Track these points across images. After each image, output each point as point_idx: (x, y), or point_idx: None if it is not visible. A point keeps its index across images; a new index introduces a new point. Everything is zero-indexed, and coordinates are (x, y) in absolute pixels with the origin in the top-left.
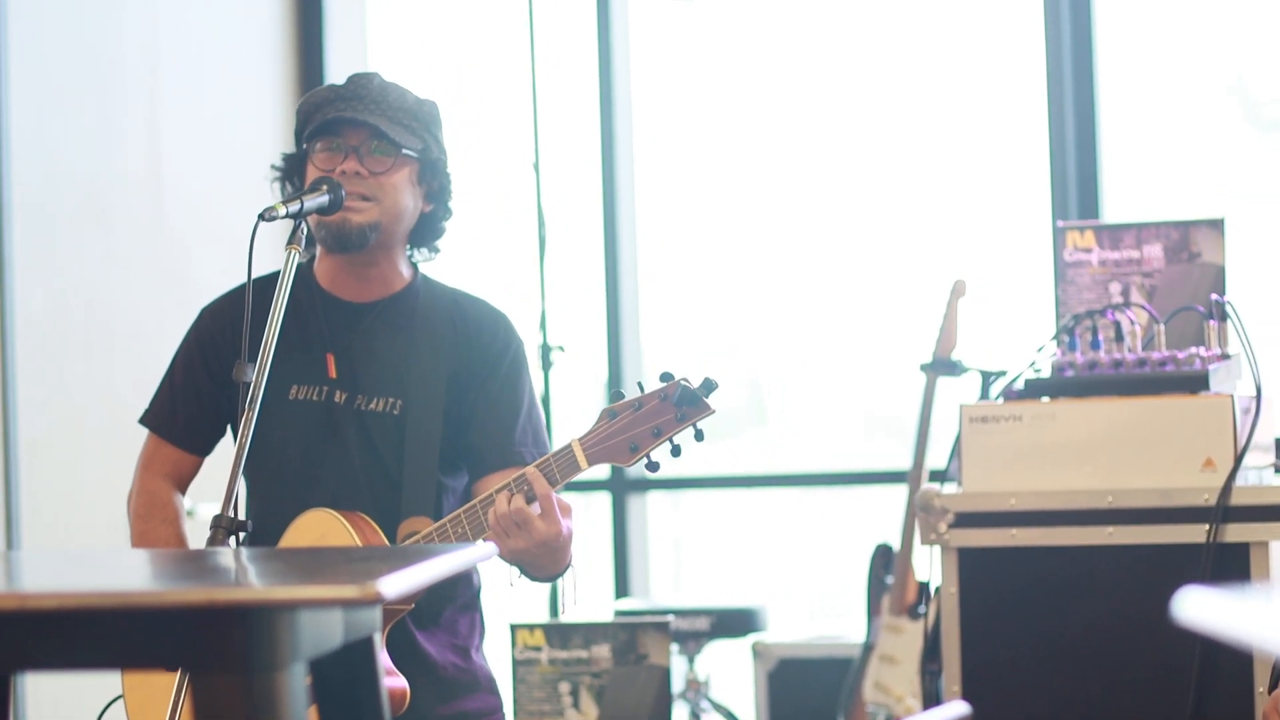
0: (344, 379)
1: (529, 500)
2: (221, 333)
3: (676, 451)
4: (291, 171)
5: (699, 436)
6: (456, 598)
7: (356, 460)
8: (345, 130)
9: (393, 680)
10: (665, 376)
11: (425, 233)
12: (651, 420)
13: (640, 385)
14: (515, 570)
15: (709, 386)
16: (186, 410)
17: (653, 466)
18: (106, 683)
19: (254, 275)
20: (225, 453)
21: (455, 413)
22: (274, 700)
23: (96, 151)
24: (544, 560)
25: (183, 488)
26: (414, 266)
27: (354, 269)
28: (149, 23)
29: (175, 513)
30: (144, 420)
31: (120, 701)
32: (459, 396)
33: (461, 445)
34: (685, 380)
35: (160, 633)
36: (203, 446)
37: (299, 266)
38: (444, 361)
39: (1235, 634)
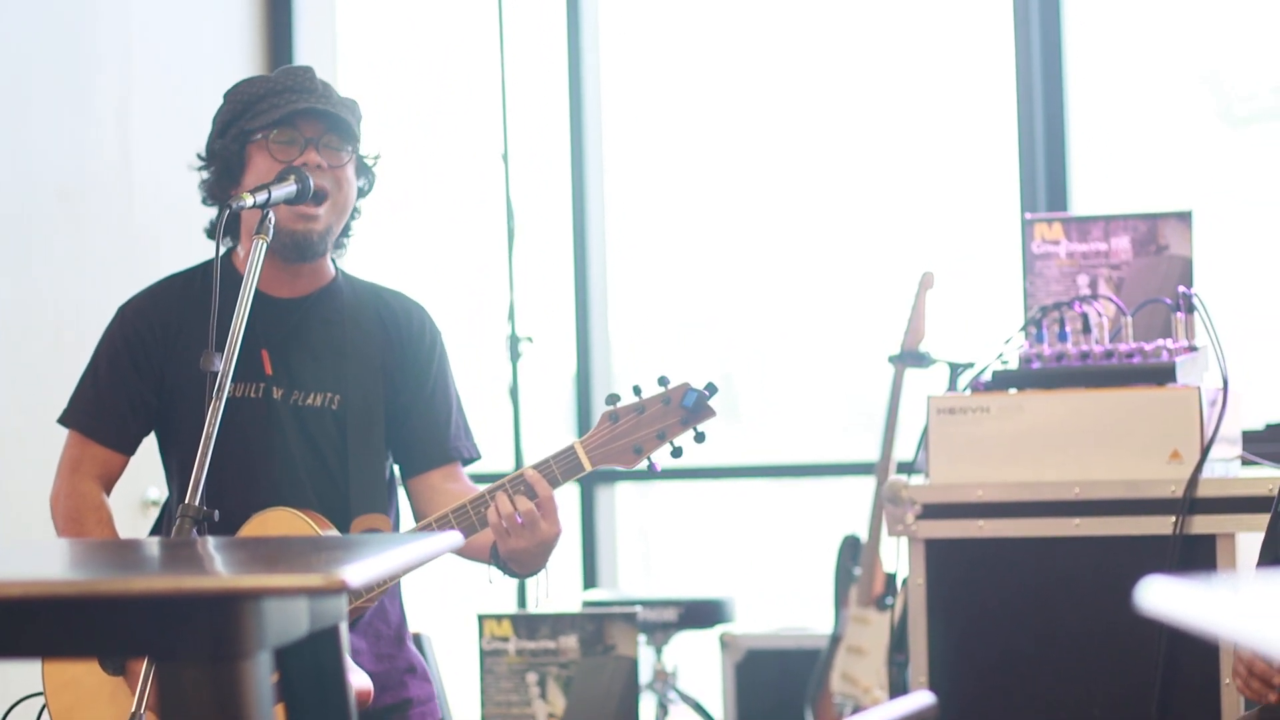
0: (280, 375)
1: (530, 500)
2: (150, 329)
3: (677, 453)
4: (228, 162)
5: (700, 439)
6: (387, 588)
7: (297, 456)
8: (299, 123)
9: (356, 678)
10: (663, 380)
11: (345, 228)
12: (656, 424)
13: (636, 389)
14: (494, 569)
15: (713, 390)
16: (115, 408)
17: (652, 468)
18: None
19: (174, 271)
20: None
21: (391, 408)
22: (239, 689)
23: (67, 147)
24: (538, 559)
25: (109, 489)
26: (333, 260)
27: (288, 265)
28: (120, 18)
29: (109, 515)
30: (66, 420)
31: (29, 702)
32: (395, 392)
33: (397, 441)
34: (690, 384)
35: (126, 621)
36: (130, 445)
37: (222, 262)
38: (377, 356)
39: (1198, 623)
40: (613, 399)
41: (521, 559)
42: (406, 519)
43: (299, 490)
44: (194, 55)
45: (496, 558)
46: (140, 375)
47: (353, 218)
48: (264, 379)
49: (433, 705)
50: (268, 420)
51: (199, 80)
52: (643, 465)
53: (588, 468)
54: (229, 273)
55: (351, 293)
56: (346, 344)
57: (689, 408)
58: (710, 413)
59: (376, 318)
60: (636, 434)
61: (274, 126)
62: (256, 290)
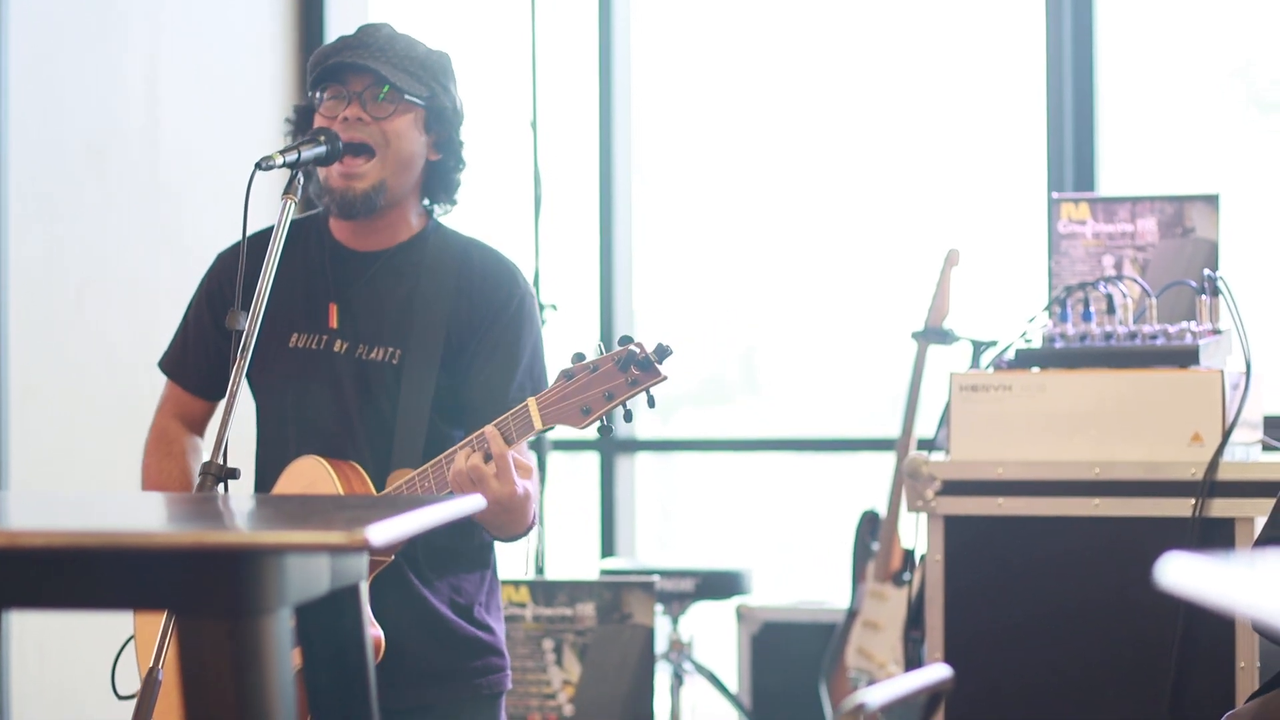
0: (345, 328)
1: (486, 459)
2: (229, 281)
3: (629, 416)
4: (303, 124)
5: (651, 403)
6: (459, 552)
7: (354, 409)
8: (349, 77)
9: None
10: (624, 340)
11: (437, 182)
12: (605, 384)
13: (600, 347)
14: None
15: (662, 352)
16: (196, 356)
17: (605, 430)
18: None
19: (261, 227)
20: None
21: (455, 364)
22: (259, 644)
23: (95, 101)
24: (501, 520)
25: (196, 429)
26: (428, 215)
27: (364, 221)
28: None
29: (183, 449)
30: (160, 364)
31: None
32: (459, 347)
33: (457, 398)
34: (637, 346)
35: (147, 574)
36: (212, 392)
37: (316, 217)
38: (444, 310)
39: (1217, 599)
40: (577, 357)
41: (484, 518)
42: None
43: (353, 441)
44: (223, 14)
45: None
46: (217, 326)
47: (455, 169)
48: (327, 332)
49: (502, 676)
50: (327, 372)
51: (228, 39)
52: (592, 426)
53: (538, 426)
54: (324, 232)
55: (437, 247)
56: (416, 299)
57: (636, 369)
58: (658, 375)
59: (454, 272)
60: (586, 393)
61: (322, 84)
62: (337, 244)
